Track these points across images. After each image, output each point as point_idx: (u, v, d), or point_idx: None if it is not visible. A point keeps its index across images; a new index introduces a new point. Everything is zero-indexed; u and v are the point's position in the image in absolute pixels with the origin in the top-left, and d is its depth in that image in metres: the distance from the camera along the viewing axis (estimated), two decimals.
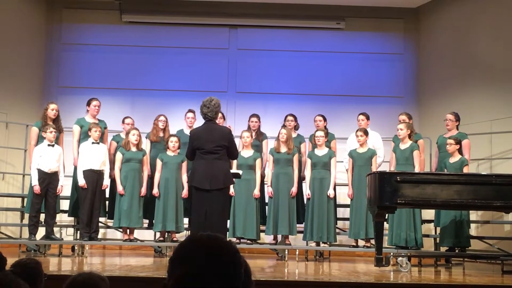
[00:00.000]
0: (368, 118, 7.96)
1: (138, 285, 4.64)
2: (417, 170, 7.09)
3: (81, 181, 7.21)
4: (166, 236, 7.65)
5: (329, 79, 10.02)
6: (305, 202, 7.76)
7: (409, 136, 7.30)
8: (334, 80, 10.01)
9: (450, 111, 7.76)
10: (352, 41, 10.12)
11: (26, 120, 8.64)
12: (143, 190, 7.51)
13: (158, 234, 7.73)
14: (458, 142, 7.21)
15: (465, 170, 7.04)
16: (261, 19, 10.09)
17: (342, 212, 8.54)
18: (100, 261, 6.99)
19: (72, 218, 8.00)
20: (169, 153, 7.56)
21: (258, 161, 7.59)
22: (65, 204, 7.85)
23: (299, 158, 7.80)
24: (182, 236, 7.80)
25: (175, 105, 9.31)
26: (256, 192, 7.46)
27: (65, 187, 7.43)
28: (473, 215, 7.84)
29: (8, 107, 8.99)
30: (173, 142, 7.53)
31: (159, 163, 7.55)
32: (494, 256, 7.19)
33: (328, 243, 7.46)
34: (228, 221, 7.11)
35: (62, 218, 8.27)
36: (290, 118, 8.10)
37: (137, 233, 7.84)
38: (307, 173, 7.63)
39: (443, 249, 7.41)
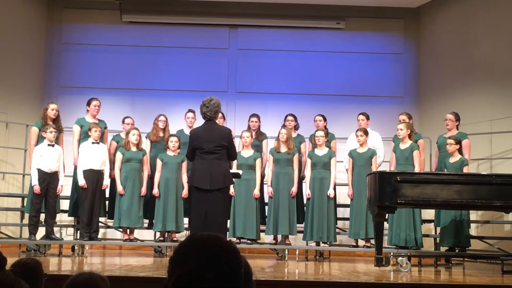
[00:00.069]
0: (368, 118, 7.97)
1: (138, 285, 4.64)
2: (417, 170, 7.09)
3: (81, 181, 7.21)
4: (166, 236, 7.65)
5: (329, 79, 10.02)
6: (304, 202, 7.76)
7: (409, 136, 7.30)
8: (334, 80, 10.01)
9: (450, 111, 7.76)
10: (352, 41, 10.12)
11: (26, 120, 8.64)
12: (143, 190, 7.51)
13: (158, 234, 7.74)
14: (458, 142, 7.22)
15: (465, 170, 7.04)
16: (261, 19, 10.09)
17: (342, 212, 8.54)
18: (100, 261, 6.99)
19: (72, 218, 8.00)
20: (169, 153, 7.56)
21: (258, 161, 7.59)
22: (65, 204, 7.85)
23: (299, 158, 7.80)
24: (182, 236, 7.80)
25: (175, 105, 9.31)
26: (256, 192, 7.46)
27: (65, 187, 7.43)
28: (473, 215, 7.85)
29: (8, 107, 8.99)
30: (173, 142, 7.53)
31: (159, 163, 7.55)
32: (494, 256, 7.19)
33: (328, 243, 7.46)
34: (228, 221, 7.11)
35: (62, 218, 8.27)
36: (290, 118, 8.10)
37: (137, 233, 7.84)
38: (307, 173, 7.63)
39: (443, 249, 7.42)
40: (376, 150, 7.65)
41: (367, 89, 9.93)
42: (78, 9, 10.06)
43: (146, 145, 7.86)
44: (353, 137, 7.85)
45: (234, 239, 7.29)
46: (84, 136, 7.54)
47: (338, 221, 8.03)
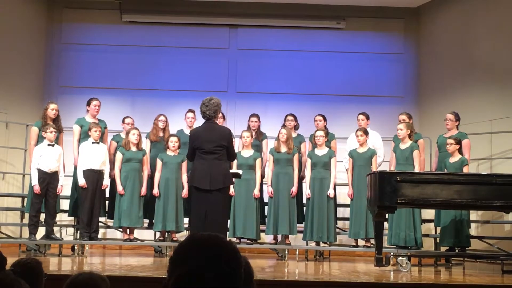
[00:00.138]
0: (368, 117, 7.97)
1: (138, 285, 4.64)
2: (417, 170, 7.09)
3: (81, 181, 7.21)
4: (166, 236, 7.65)
5: (329, 79, 10.02)
6: (304, 202, 7.76)
7: (409, 136, 7.30)
8: (334, 80, 10.01)
9: (450, 111, 7.76)
10: (352, 41, 10.12)
11: (26, 120, 8.64)
12: (143, 190, 7.51)
13: (158, 234, 7.74)
14: (458, 142, 7.22)
15: (465, 170, 7.04)
16: (261, 18, 10.09)
17: (342, 212, 8.54)
18: (100, 261, 6.99)
19: (72, 218, 8.00)
20: (169, 153, 7.56)
21: (258, 161, 7.59)
22: (65, 204, 7.85)
23: (299, 158, 7.80)
24: (182, 236, 7.80)
25: (175, 105, 9.31)
26: (256, 192, 7.46)
27: (65, 187, 7.43)
28: (473, 215, 7.84)
29: (8, 106, 8.99)
30: (173, 142, 7.53)
31: (159, 163, 7.55)
32: (494, 256, 7.19)
33: (328, 243, 7.46)
34: (228, 221, 7.11)
35: (62, 218, 8.27)
36: (290, 118, 8.10)
37: (137, 233, 7.84)
38: (307, 173, 7.63)
39: (443, 249, 7.42)
40: (376, 150, 7.65)
41: (367, 89, 9.93)
42: (78, 9, 10.06)
43: (146, 145, 7.86)
44: (353, 137, 7.85)
45: (234, 239, 7.29)
46: (84, 136, 7.54)
47: (338, 221, 8.03)
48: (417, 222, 7.13)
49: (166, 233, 7.63)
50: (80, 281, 2.31)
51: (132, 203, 7.39)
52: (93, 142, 7.34)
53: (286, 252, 7.32)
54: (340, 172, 8.17)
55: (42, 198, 7.10)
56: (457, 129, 7.62)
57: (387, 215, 6.79)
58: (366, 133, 7.57)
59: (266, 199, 7.77)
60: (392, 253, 6.54)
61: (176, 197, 7.45)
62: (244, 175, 7.02)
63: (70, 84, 9.90)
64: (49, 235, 7.18)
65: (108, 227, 8.42)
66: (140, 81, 9.94)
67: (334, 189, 7.53)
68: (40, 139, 7.32)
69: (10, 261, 2.83)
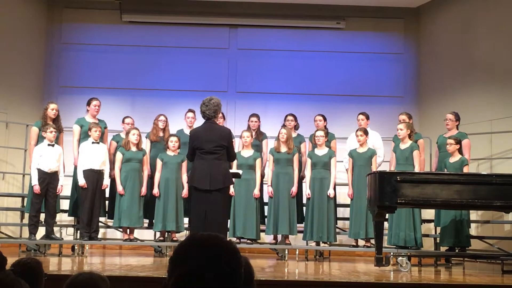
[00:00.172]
0: (367, 117, 7.97)
1: (138, 285, 4.64)
2: (417, 170, 7.09)
3: (81, 181, 7.21)
4: (166, 236, 7.65)
5: (329, 79, 10.02)
6: (304, 202, 7.76)
7: (409, 136, 7.30)
8: (334, 80, 10.01)
9: (450, 111, 7.76)
10: (352, 41, 10.12)
11: (26, 120, 8.64)
12: (143, 190, 7.51)
13: (158, 234, 7.74)
14: (458, 142, 7.22)
15: (465, 170, 7.04)
16: (261, 18, 10.09)
17: (342, 212, 8.54)
18: (100, 261, 6.99)
19: (72, 218, 8.00)
20: (169, 153, 7.56)
21: (258, 161, 7.59)
22: (65, 204, 7.85)
23: (299, 158, 7.80)
24: (182, 236, 7.80)
25: (175, 105, 9.31)
26: (256, 192, 7.46)
27: (65, 187, 7.43)
28: (473, 215, 7.85)
29: (8, 106, 8.99)
30: (173, 142, 7.53)
31: (159, 163, 7.55)
32: (494, 256, 7.19)
33: (328, 243, 7.46)
34: (228, 221, 7.11)
35: (62, 217, 8.27)
36: (290, 118, 8.10)
37: (137, 233, 7.84)
38: (307, 173, 7.63)
39: (443, 248, 7.42)
40: (376, 150, 7.65)
41: (367, 89, 9.93)
42: (78, 9, 10.06)
43: (146, 145, 7.86)
44: (353, 137, 7.85)
45: (234, 239, 7.29)
46: (84, 136, 7.54)
47: (338, 221, 8.03)
48: (417, 222, 7.13)
49: (166, 233, 7.63)
50: (80, 281, 2.31)
51: (132, 203, 7.39)
52: (93, 142, 7.34)
53: (286, 252, 7.32)
54: (340, 172, 8.17)
55: (42, 198, 7.10)
56: (457, 129, 7.62)
57: (387, 215, 6.79)
58: (366, 133, 7.57)
59: (266, 199, 7.77)
60: (392, 253, 6.54)
61: (176, 197, 7.45)
62: (244, 175, 7.02)
63: (70, 84, 9.90)
64: (49, 235, 7.18)
65: (108, 227, 8.42)
66: (140, 81, 9.94)
67: (334, 189, 7.53)
68: (40, 139, 7.32)
69: (10, 261, 2.83)
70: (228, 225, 7.15)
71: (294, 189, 7.51)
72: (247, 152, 7.61)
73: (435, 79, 9.68)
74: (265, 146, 8.05)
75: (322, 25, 10.12)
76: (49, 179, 7.11)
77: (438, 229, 7.55)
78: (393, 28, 10.14)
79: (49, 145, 7.15)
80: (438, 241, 7.47)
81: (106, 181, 7.41)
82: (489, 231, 8.13)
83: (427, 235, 7.83)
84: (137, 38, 10.02)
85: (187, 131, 7.50)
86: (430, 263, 7.40)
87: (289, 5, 9.98)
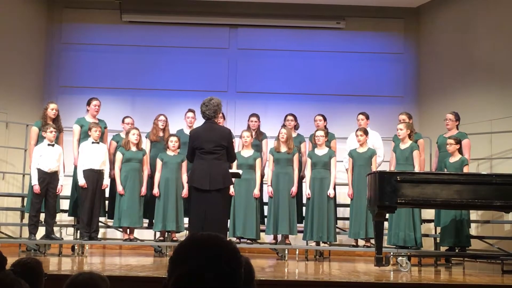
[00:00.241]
0: (367, 117, 7.97)
1: (138, 285, 4.64)
2: (417, 170, 7.09)
3: (81, 181, 7.21)
4: (166, 235, 7.65)
5: (329, 79, 10.02)
6: (304, 202, 7.76)
7: (409, 136, 7.30)
8: (334, 80, 10.01)
9: (450, 110, 7.76)
10: (352, 40, 10.12)
11: (26, 120, 8.64)
12: (143, 190, 7.51)
13: (158, 234, 7.74)
14: (458, 141, 7.22)
15: (465, 169, 7.04)
16: (261, 18, 10.09)
17: (342, 212, 8.55)
18: (100, 261, 6.99)
19: (72, 218, 8.00)
20: (169, 152, 7.56)
21: (258, 161, 7.59)
22: (65, 204, 7.86)
23: (299, 158, 7.80)
24: (182, 235, 7.80)
25: (175, 105, 9.31)
26: (256, 191, 7.46)
27: (65, 187, 7.43)
28: (473, 214, 7.85)
29: (8, 107, 8.99)
30: (173, 142, 7.53)
31: (159, 163, 7.55)
32: (494, 256, 7.19)
33: (328, 242, 7.46)
34: (228, 220, 7.11)
35: (62, 217, 8.27)
36: (290, 118, 8.10)
37: (137, 233, 7.84)
38: (307, 172, 7.63)
39: (443, 248, 7.41)
40: (376, 150, 7.65)
41: (367, 89, 9.93)
42: (78, 9, 10.06)
43: (146, 145, 7.86)
44: (353, 137, 7.85)
45: (234, 239, 7.29)
46: (84, 136, 7.54)
47: (338, 221, 8.03)
48: (416, 222, 7.13)
49: (166, 233, 7.63)
50: (80, 281, 2.31)
51: (132, 203, 7.40)
52: (93, 142, 7.34)
53: (286, 252, 7.32)
54: (340, 172, 8.17)
55: (42, 198, 7.10)
56: (457, 129, 7.62)
57: (387, 215, 6.79)
58: (366, 133, 7.57)
59: (266, 199, 7.77)
60: (392, 253, 6.54)
61: (176, 197, 7.45)
62: (244, 175, 7.02)
63: (70, 84, 9.90)
64: (49, 235, 7.18)
65: (108, 227, 8.42)
66: (140, 81, 9.94)
67: (334, 189, 7.53)
68: (40, 139, 7.32)
69: (10, 261, 2.83)
70: (228, 225, 7.16)
71: (294, 189, 7.51)
72: (247, 152, 7.61)
73: (435, 79, 9.68)
74: (265, 146, 8.05)
75: (322, 25, 10.12)
76: (49, 179, 7.11)
77: (438, 229, 7.55)
78: (393, 28, 10.14)
79: (49, 145, 7.16)
80: (438, 241, 7.47)
81: (106, 181, 7.41)
82: (489, 231, 8.13)
83: (427, 235, 7.83)
84: (137, 38, 10.02)
85: (187, 131, 7.50)
86: (430, 263, 7.40)
87: (289, 5, 9.98)
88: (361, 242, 7.54)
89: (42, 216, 7.26)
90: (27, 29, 9.62)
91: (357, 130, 7.60)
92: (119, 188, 7.41)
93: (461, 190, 5.75)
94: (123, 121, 8.08)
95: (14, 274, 2.46)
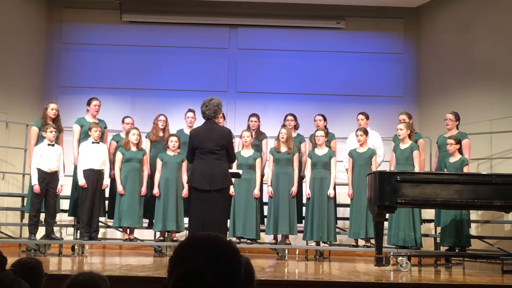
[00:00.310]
0: (367, 117, 7.97)
1: (138, 285, 4.64)
2: (417, 170, 7.09)
3: (81, 181, 7.21)
4: (166, 235, 7.65)
5: (329, 79, 10.02)
6: (304, 201, 7.76)
7: (409, 136, 7.30)
8: (334, 80, 10.01)
9: (450, 110, 7.76)
10: (352, 40, 10.12)
11: (26, 120, 8.64)
12: (143, 190, 7.51)
13: (158, 234, 7.74)
14: (458, 141, 7.22)
15: (465, 169, 7.04)
16: (261, 18, 10.09)
17: (342, 212, 8.55)
18: (100, 261, 6.99)
19: (72, 218, 8.01)
20: (169, 152, 7.56)
21: (258, 161, 7.59)
22: (65, 204, 7.86)
23: (299, 158, 7.80)
24: (182, 235, 7.80)
25: (175, 105, 9.32)
26: (256, 191, 7.46)
27: (65, 187, 7.43)
28: (473, 214, 7.85)
29: (8, 107, 8.99)
30: (173, 142, 7.53)
31: (159, 163, 7.55)
32: (494, 255, 7.19)
33: (328, 242, 7.46)
34: (228, 220, 7.12)
35: (62, 217, 8.27)
36: (290, 117, 8.10)
37: (137, 233, 7.84)
38: (307, 172, 7.63)
39: (443, 248, 7.42)
40: (376, 150, 7.66)
41: (367, 89, 9.93)
42: (78, 9, 10.06)
43: (146, 145, 7.87)
44: (353, 137, 7.85)
45: (234, 239, 7.29)
46: (84, 135, 7.54)
47: (338, 221, 8.03)
48: (416, 222, 7.13)
49: (166, 233, 7.63)
50: (80, 281, 2.31)
51: (132, 203, 7.40)
52: (93, 142, 7.34)
53: (286, 252, 7.32)
54: (340, 172, 8.17)
55: (42, 198, 7.10)
56: (457, 129, 7.62)
57: (387, 215, 6.79)
58: (366, 133, 7.57)
59: (266, 199, 7.77)
60: (392, 253, 6.54)
61: (176, 197, 7.45)
62: (244, 175, 7.02)
63: (70, 84, 9.90)
64: (49, 235, 7.18)
65: (108, 227, 8.42)
66: (140, 81, 9.94)
67: (334, 189, 7.53)
68: (40, 139, 7.32)
69: (10, 261, 2.83)
70: (228, 225, 7.16)
71: (294, 189, 7.51)
72: (247, 152, 7.61)
73: (435, 79, 9.68)
74: (265, 146, 8.05)
75: (322, 25, 10.12)
76: (49, 179, 7.11)
77: (438, 229, 7.55)
78: (393, 28, 10.14)
79: (49, 145, 7.16)
80: (438, 241, 7.47)
81: (106, 181, 7.41)
82: (489, 231, 8.13)
83: (427, 235, 7.83)
84: (137, 38, 10.02)
85: (187, 131, 7.50)
86: (430, 263, 7.40)
87: (289, 5, 9.99)
88: (361, 242, 7.54)
89: (42, 216, 7.26)
90: (27, 29, 9.62)
91: (357, 130, 7.60)
92: (119, 188, 7.42)
93: (461, 190, 5.75)
94: (123, 121, 8.08)
95: (14, 274, 2.46)
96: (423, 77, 10.01)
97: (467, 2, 9.19)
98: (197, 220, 5.63)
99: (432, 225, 7.98)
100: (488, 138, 8.45)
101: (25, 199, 7.80)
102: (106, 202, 7.75)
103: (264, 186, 7.78)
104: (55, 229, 7.44)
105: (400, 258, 6.22)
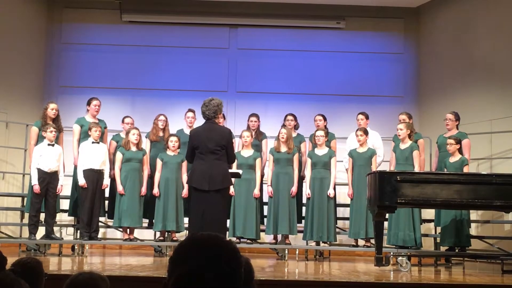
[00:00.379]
0: (367, 117, 7.97)
1: (138, 285, 4.64)
2: (417, 170, 7.09)
3: (81, 181, 7.21)
4: (166, 235, 7.65)
5: (329, 79, 10.02)
6: (304, 201, 7.76)
7: (409, 136, 7.30)
8: (334, 80, 10.01)
9: (450, 110, 7.76)
10: (352, 40, 10.12)
11: (26, 120, 8.64)
12: (143, 190, 7.51)
13: (158, 234, 7.74)
14: (458, 141, 7.22)
15: (465, 169, 7.04)
16: (261, 18, 10.09)
17: (342, 212, 8.55)
18: (100, 261, 6.99)
19: (72, 218, 8.01)
20: (169, 152, 7.56)
21: (258, 161, 7.59)
22: (65, 204, 7.86)
23: (299, 158, 7.81)
24: (182, 235, 7.80)
25: (175, 105, 9.32)
26: (256, 191, 7.46)
27: (65, 187, 7.44)
28: (473, 214, 7.85)
29: (8, 107, 8.99)
30: (173, 142, 7.53)
31: (159, 163, 7.55)
32: (494, 255, 7.19)
33: (328, 242, 7.46)
34: (228, 220, 7.12)
35: (62, 217, 8.27)
36: (290, 117, 8.10)
37: (137, 233, 7.85)
38: (307, 172, 7.63)
39: (443, 248, 7.42)
40: (376, 150, 7.66)
41: (367, 89, 9.93)
42: (78, 9, 10.06)
43: (146, 145, 7.87)
44: (353, 137, 7.85)
45: (234, 239, 7.29)
46: (84, 135, 7.54)
47: (338, 221, 8.03)
48: (416, 222, 7.13)
49: (166, 233, 7.63)
50: (80, 281, 2.31)
51: (132, 203, 7.40)
52: (93, 142, 7.35)
53: (286, 252, 7.32)
54: (340, 172, 8.17)
55: (42, 198, 7.10)
56: (457, 129, 7.62)
57: (387, 215, 6.79)
58: (366, 133, 7.57)
59: (266, 199, 7.77)
60: (392, 253, 6.54)
61: (176, 197, 7.45)
62: (244, 175, 7.02)
63: (70, 84, 9.90)
64: (49, 235, 7.18)
65: (108, 227, 8.42)
66: (140, 81, 9.94)
67: (334, 189, 7.53)
68: (40, 139, 7.32)
69: (10, 261, 2.83)
70: (228, 225, 7.16)
71: (294, 189, 7.51)
72: (247, 152, 7.62)
73: (435, 79, 9.68)
74: (264, 146, 8.05)
75: (322, 25, 10.12)
76: (49, 179, 7.11)
77: (438, 229, 7.55)
78: (393, 28, 10.15)
79: (49, 145, 7.16)
80: (438, 241, 7.47)
81: (106, 181, 7.41)
82: (489, 231, 8.13)
83: (427, 235, 7.83)
84: (137, 38, 10.02)
85: (187, 131, 7.50)
86: (430, 263, 7.40)
87: (289, 5, 9.99)
88: (361, 242, 7.54)
89: (42, 216, 7.26)
90: (27, 29, 9.62)
91: (357, 130, 7.60)
92: (119, 188, 7.42)
93: (461, 190, 5.75)
94: (123, 121, 8.08)
95: (14, 274, 2.46)
96: (423, 77, 10.01)
97: (467, 2, 9.19)
98: (197, 220, 5.63)
99: (432, 225, 7.98)
100: (488, 138, 8.45)
101: (25, 199, 7.80)
102: (106, 202, 7.76)
103: (264, 186, 7.78)
104: (55, 229, 7.44)
105: (400, 258, 6.22)
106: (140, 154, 7.55)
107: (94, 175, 7.26)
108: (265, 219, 7.69)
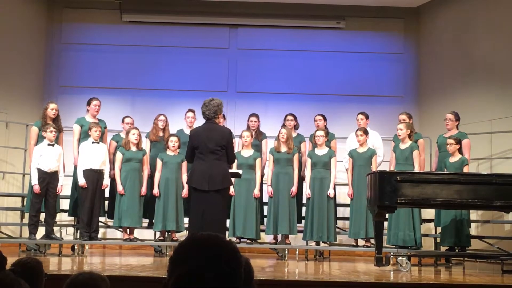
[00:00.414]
0: (367, 117, 7.97)
1: (138, 285, 4.64)
2: (417, 170, 7.09)
3: (81, 181, 7.21)
4: (166, 235, 7.65)
5: (329, 79, 10.02)
6: (304, 201, 7.76)
7: (409, 136, 7.30)
8: (334, 80, 10.01)
9: (450, 110, 7.76)
10: (352, 40, 10.12)
11: (26, 120, 8.64)
12: (143, 190, 7.51)
13: (158, 234, 7.74)
14: (458, 141, 7.22)
15: (465, 169, 7.04)
16: (261, 18, 10.09)
17: (342, 212, 8.55)
18: (100, 261, 6.99)
19: (72, 218, 8.01)
20: (169, 152, 7.56)
21: (258, 161, 7.59)
22: (65, 204, 7.86)
23: (299, 158, 7.81)
24: (182, 235, 7.80)
25: (175, 105, 9.32)
26: (256, 191, 7.46)
27: (65, 187, 7.44)
28: (473, 214, 7.85)
29: (8, 107, 8.99)
30: (173, 142, 7.53)
31: (159, 163, 7.55)
32: (494, 255, 7.19)
33: (328, 242, 7.46)
34: (228, 220, 7.12)
35: (62, 217, 8.27)
36: (290, 117, 8.10)
37: (137, 233, 7.85)
38: (307, 172, 7.63)
39: (443, 248, 7.42)
40: (376, 150, 7.66)
41: (367, 89, 9.93)
42: (78, 9, 10.06)
43: (146, 145, 7.87)
44: (353, 137, 7.85)
45: (234, 239, 7.29)
46: (84, 135, 7.55)
47: (338, 221, 8.03)
48: (416, 222, 7.13)
49: (166, 233, 7.63)
50: (80, 281, 2.31)
51: (132, 203, 7.40)
52: (93, 142, 7.35)
53: (286, 252, 7.32)
54: (340, 172, 8.17)
55: (42, 198, 7.10)
56: (457, 129, 7.62)
57: (387, 215, 6.79)
58: (366, 133, 7.57)
59: (266, 199, 7.77)
60: (392, 253, 6.55)
61: (176, 197, 7.46)
62: (244, 175, 7.02)
63: (70, 84, 9.90)
64: (49, 235, 7.18)
65: (108, 227, 8.42)
66: (140, 81, 9.94)
67: (334, 189, 7.53)
68: (40, 139, 7.32)
69: (10, 261, 2.83)
70: (228, 225, 7.16)
71: (294, 189, 7.51)
72: (247, 152, 7.62)
73: (435, 79, 9.68)
74: (264, 146, 8.05)
75: (322, 25, 10.12)
76: (49, 179, 7.11)
77: (438, 229, 7.55)
78: (393, 28, 10.15)
79: (49, 145, 7.16)
80: (438, 241, 7.47)
81: (106, 181, 7.41)
82: (489, 231, 8.13)
83: (427, 235, 7.83)
84: (137, 38, 10.02)
85: (187, 131, 7.50)
86: (430, 263, 7.40)
87: (289, 5, 9.99)
88: (361, 242, 7.54)
89: (42, 216, 7.26)
90: (27, 29, 9.62)
91: (357, 130, 7.60)
92: (119, 188, 7.42)
93: (461, 190, 5.75)
94: (123, 121, 8.08)
95: (14, 274, 2.46)
96: (423, 77, 10.01)
97: (467, 2, 9.19)
98: (197, 220, 5.62)
99: (432, 225, 7.98)
100: (488, 138, 8.45)
101: (25, 199, 7.80)
102: (106, 202, 7.76)
103: (264, 186, 7.78)
104: (55, 229, 7.44)
105: (400, 258, 6.22)
106: (140, 154, 7.55)
107: (94, 175, 7.26)
108: (265, 219, 7.69)
